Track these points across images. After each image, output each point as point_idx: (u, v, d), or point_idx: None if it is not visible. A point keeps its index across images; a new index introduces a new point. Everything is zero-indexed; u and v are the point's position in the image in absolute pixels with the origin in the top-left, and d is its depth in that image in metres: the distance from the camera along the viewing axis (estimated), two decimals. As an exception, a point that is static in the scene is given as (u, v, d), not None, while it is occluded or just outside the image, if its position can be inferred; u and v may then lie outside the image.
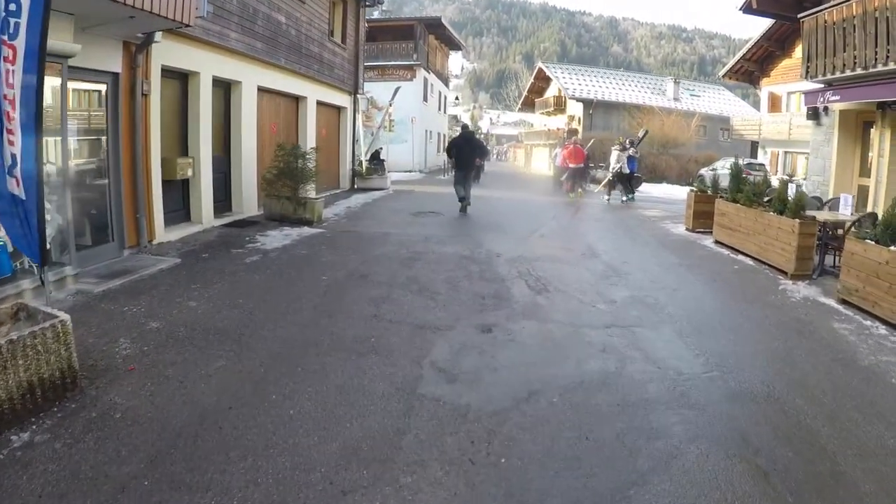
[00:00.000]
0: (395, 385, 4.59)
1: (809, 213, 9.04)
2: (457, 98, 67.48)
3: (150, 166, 9.36)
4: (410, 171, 30.22)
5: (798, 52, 31.16)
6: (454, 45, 42.35)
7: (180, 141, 10.82)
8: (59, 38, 6.54)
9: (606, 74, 48.49)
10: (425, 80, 33.84)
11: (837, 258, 9.23)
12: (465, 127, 17.11)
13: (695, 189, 13.62)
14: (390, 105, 26.57)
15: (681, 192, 27.04)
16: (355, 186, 19.75)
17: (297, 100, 15.94)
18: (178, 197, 10.84)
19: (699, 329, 6.23)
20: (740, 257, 10.19)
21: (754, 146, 46.01)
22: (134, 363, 4.81)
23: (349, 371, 4.83)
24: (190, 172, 10.64)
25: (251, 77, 12.86)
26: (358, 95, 19.90)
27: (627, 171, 20.47)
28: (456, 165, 15.09)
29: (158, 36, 8.91)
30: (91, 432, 3.74)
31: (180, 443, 3.68)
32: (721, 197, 11.78)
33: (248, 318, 6.08)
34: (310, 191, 13.47)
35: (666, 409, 4.32)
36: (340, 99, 18.84)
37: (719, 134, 43.92)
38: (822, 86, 12.68)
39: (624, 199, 19.89)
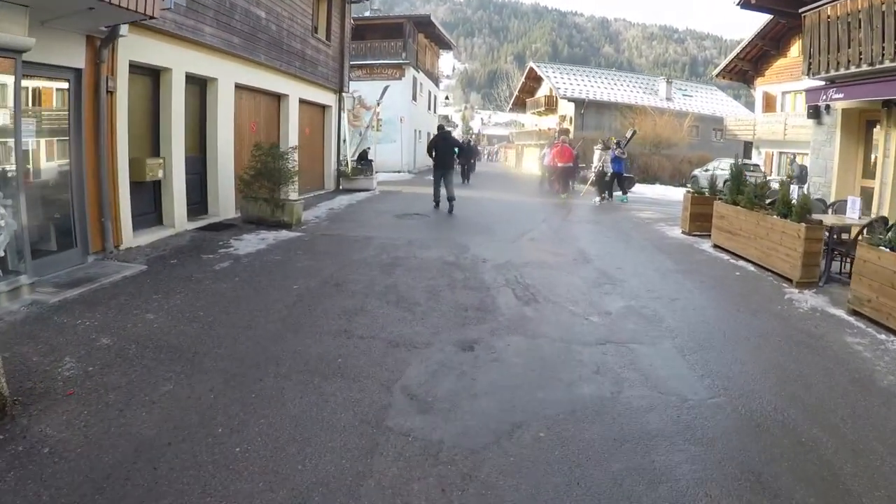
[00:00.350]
0: (360, 416, 4.03)
1: (815, 216, 8.54)
2: (447, 97, 66.90)
3: (117, 167, 8.77)
4: (399, 172, 29.64)
5: (794, 51, 30.97)
6: (444, 45, 41.79)
7: (151, 141, 10.22)
8: (11, 31, 6.00)
9: (598, 74, 48.05)
10: (414, 79, 33.27)
11: (844, 265, 8.78)
12: (441, 127, 16.64)
13: (691, 190, 13.09)
14: (378, 104, 26.00)
15: (675, 193, 26.67)
16: (340, 187, 19.16)
17: (278, 98, 15.35)
18: (150, 199, 10.26)
19: (702, 344, 5.69)
20: (741, 263, 9.67)
21: (748, 146, 45.70)
22: (75, 386, 4.28)
23: (309, 398, 4.28)
24: (160, 174, 10.04)
25: (228, 74, 12.28)
26: (343, 94, 19.30)
27: (610, 170, 19.94)
28: (434, 164, 15.11)
29: (124, 30, 8.34)
30: (14, 470, 3.25)
31: (108, 486, 3.17)
32: (720, 199, 11.26)
33: (206, 332, 5.54)
34: (290, 192, 12.91)
35: (669, 446, 3.76)
36: (325, 97, 18.25)
37: (712, 134, 43.54)
38: (824, 83, 12.21)
39: (597, 199, 19.36)
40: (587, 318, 6.40)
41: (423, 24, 33.81)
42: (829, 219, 8.76)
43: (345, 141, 31.72)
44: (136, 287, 6.95)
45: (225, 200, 12.27)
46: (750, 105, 61.68)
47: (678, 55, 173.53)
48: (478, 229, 12.12)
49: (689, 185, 31.88)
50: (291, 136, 15.69)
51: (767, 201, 9.77)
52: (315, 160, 18.22)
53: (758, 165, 29.26)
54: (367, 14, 33.02)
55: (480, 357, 5.16)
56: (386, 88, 30.61)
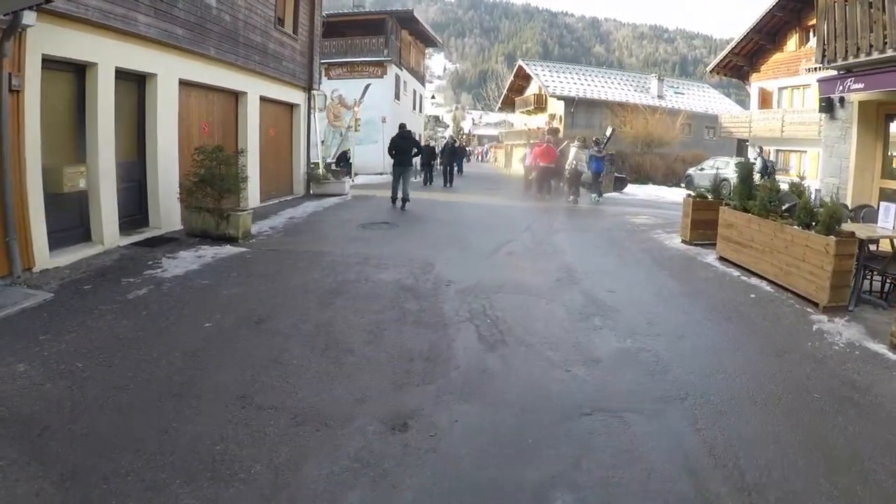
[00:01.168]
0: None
1: (845, 227, 7.06)
2: (433, 97, 65.41)
3: (25, 178, 7.25)
4: (381, 174, 28.06)
5: (790, 45, 29.64)
6: (430, 42, 40.23)
7: (76, 146, 8.70)
8: None
9: (588, 72, 46.59)
10: (397, 77, 31.71)
11: (876, 283, 7.33)
12: (402, 126, 15.90)
13: (693, 194, 11.59)
14: (356, 103, 24.51)
15: (669, 194, 25.26)
16: (311, 192, 17.63)
17: (235, 96, 13.82)
18: (74, 213, 8.71)
19: (721, 409, 4.21)
20: (754, 281, 8.19)
21: (741, 144, 44.53)
22: None
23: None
24: (82, 183, 8.51)
25: (170, 69, 10.75)
26: (314, 92, 17.77)
27: (585, 170, 18.88)
28: (394, 163, 15.19)
29: (30, 18, 6.87)
30: None
31: None
32: (727, 204, 9.79)
33: (71, 395, 4.13)
34: (243, 201, 11.43)
35: None
36: (292, 95, 16.71)
37: (704, 132, 42.30)
38: (839, 73, 10.75)
39: (571, 199, 18.32)
40: (569, 369, 4.87)
41: (407, 21, 32.23)
42: (861, 230, 7.27)
43: (323, 142, 30.36)
44: (28, 323, 5.54)
45: (168, 211, 10.73)
46: (741, 102, 60.49)
47: (668, 54, 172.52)
48: (449, 241, 10.63)
49: (683, 185, 30.87)
50: (251, 137, 14.19)
51: (784, 207, 8.30)
52: (281, 163, 16.70)
53: (755, 164, 27.79)
54: (346, 10, 31.47)
55: (412, 445, 3.62)
56: (367, 87, 29.14)
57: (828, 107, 11.82)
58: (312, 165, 18.26)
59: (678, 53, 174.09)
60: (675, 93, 46.39)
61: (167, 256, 8.64)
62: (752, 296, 7.49)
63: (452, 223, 12.84)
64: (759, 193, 8.46)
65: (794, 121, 27.36)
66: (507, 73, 72.76)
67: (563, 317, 6.27)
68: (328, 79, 30.14)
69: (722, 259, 9.51)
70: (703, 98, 47.43)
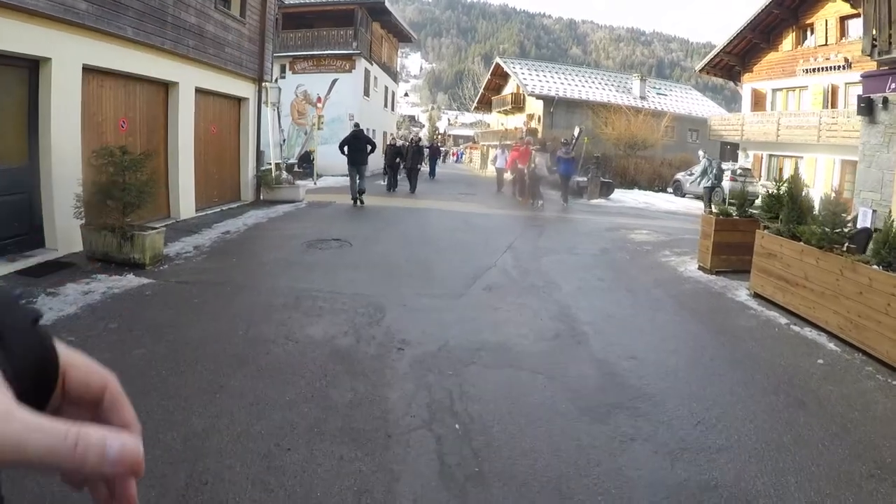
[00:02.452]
0: None
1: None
2: (406, 94, 63.24)
3: None
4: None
5: (786, 44, 27.83)
6: (404, 37, 37.94)
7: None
8: None
9: (568, 71, 44.66)
10: (367, 71, 29.41)
11: None
12: (356, 125, 16.71)
13: (716, 211, 9.52)
14: (319, 99, 22.31)
15: (658, 201, 23.33)
16: (261, 198, 15.39)
17: (165, 87, 11.59)
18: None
19: None
20: (810, 332, 6.17)
21: (724, 147, 42.99)
22: None
23: None
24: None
25: (71, 53, 8.52)
26: (266, 84, 15.54)
27: (546, 174, 18.25)
28: (348, 161, 15.59)
29: None
30: None
31: None
32: (765, 227, 7.78)
33: None
34: (155, 214, 9.24)
35: None
36: (238, 87, 14.45)
37: (688, 135, 40.70)
38: (888, 68, 8.79)
39: (537, 202, 17.68)
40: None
41: (378, 12, 29.90)
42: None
43: (285, 141, 28.11)
44: None
45: (68, 229, 8.41)
46: (725, 105, 59.07)
47: (645, 57, 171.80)
48: (411, 267, 8.50)
49: (671, 191, 29.04)
50: (184, 135, 11.95)
51: (847, 233, 6.29)
52: (226, 165, 14.44)
53: (749, 170, 26.07)
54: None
55: None
56: (334, 82, 26.99)
57: (867, 108, 9.88)
58: (266, 167, 16.02)
59: (655, 56, 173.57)
60: (658, 94, 44.76)
61: (47, 293, 6.45)
62: (819, 361, 5.43)
63: (417, 240, 10.69)
64: (822, 216, 6.38)
65: (791, 124, 25.65)
66: (483, 73, 70.71)
67: (571, 415, 4.09)
68: (292, 73, 27.97)
69: (758, 297, 7.52)
70: (686, 100, 45.83)
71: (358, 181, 15.42)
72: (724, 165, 26.18)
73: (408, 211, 14.78)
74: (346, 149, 15.47)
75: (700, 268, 9.30)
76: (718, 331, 6.33)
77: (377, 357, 4.99)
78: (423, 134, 62.94)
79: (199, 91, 12.61)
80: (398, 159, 20.87)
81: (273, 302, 6.46)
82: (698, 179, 18.17)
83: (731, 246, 8.80)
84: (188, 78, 12.03)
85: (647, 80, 45.87)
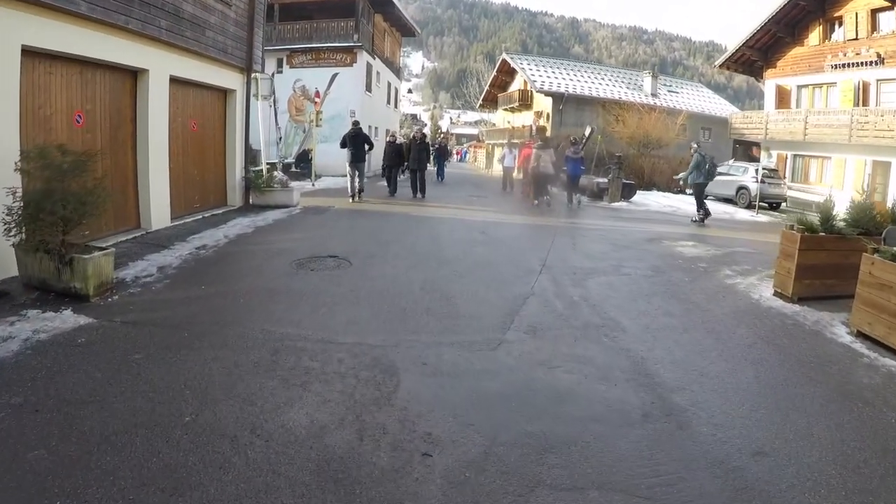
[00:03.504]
0: None
1: None
2: (409, 91, 61.45)
3: None
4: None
5: (813, 38, 26.05)
6: (407, 31, 36.00)
7: None
8: None
9: (577, 67, 42.77)
10: (369, 66, 27.48)
11: None
12: (355, 123, 16.32)
13: (801, 227, 7.62)
14: (318, 94, 20.48)
15: (685, 205, 21.33)
16: (250, 202, 13.53)
17: (133, 75, 9.75)
18: None
19: None
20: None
21: (736, 147, 41.20)
22: None
23: None
24: None
25: (5, 31, 6.75)
26: (256, 74, 13.67)
27: (550, 171, 16.99)
28: (349, 159, 15.73)
29: None
30: None
31: None
32: (875, 250, 5.94)
33: None
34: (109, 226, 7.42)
35: None
36: (223, 77, 12.56)
37: (700, 133, 38.65)
38: None
39: (536, 201, 17.00)
40: None
41: (380, 3, 27.96)
42: None
43: (281, 139, 26.23)
44: None
45: (1, 249, 6.64)
46: (738, 99, 57.16)
47: (648, 56, 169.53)
48: (426, 299, 6.62)
49: (689, 192, 26.94)
50: (156, 131, 10.12)
51: None
52: (209, 166, 12.56)
53: (776, 171, 24.17)
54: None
55: None
56: (334, 77, 25.17)
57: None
58: (258, 168, 14.17)
59: (657, 55, 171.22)
60: (669, 91, 42.93)
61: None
62: None
63: (431, 258, 8.79)
64: None
65: (820, 123, 23.82)
66: (487, 71, 68.87)
67: None
68: (290, 67, 26.15)
69: (862, 336, 5.74)
70: (697, 97, 43.99)
71: (357, 180, 15.77)
72: (745, 165, 24.40)
73: (415, 219, 12.91)
74: (346, 145, 15.68)
75: (777, 293, 7.47)
76: (843, 395, 4.50)
77: (391, 473, 3.13)
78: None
79: (174, 81, 10.76)
80: (399, 159, 18.34)
81: (242, 360, 4.60)
82: (689, 175, 16.25)
83: (816, 268, 7.04)
84: (161, 65, 10.18)
85: (659, 76, 44.02)
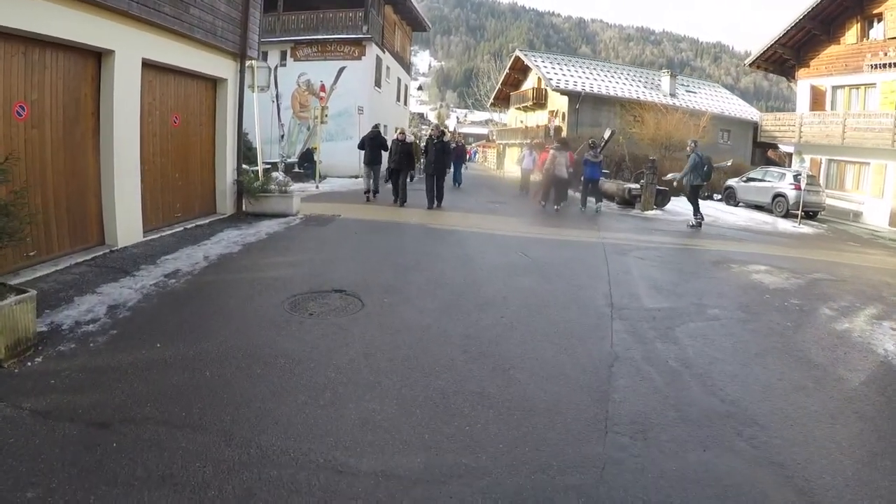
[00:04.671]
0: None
1: None
2: (419, 88, 59.42)
3: None
4: (356, 177, 21.97)
5: (850, 36, 24.00)
6: (418, 25, 33.86)
7: None
8: None
9: (593, 65, 40.70)
10: (378, 59, 25.42)
11: None
12: (375, 126, 16.11)
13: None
14: (322, 88, 18.48)
15: (721, 213, 19.32)
16: (243, 209, 11.53)
17: (96, 57, 7.77)
18: None
19: None
20: None
21: (756, 150, 39.18)
22: None
23: None
24: None
25: None
26: (251, 62, 11.69)
27: (565, 175, 15.85)
28: (365, 160, 15.67)
29: None
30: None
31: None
32: None
33: None
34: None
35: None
36: (211, 63, 10.52)
37: (719, 135, 36.58)
38: None
39: (544, 204, 16.28)
40: None
41: (391, -7, 26.11)
42: None
43: (283, 137, 24.24)
44: None
45: None
46: (750, 98, 54.98)
47: (655, 56, 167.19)
48: (473, 372, 4.53)
49: (722, 198, 25.01)
50: (125, 126, 8.11)
51: None
52: (194, 169, 10.53)
53: (813, 177, 22.08)
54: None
55: None
56: (341, 70, 23.14)
57: None
58: (261, 168, 12.18)
59: (664, 56, 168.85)
60: (687, 91, 40.91)
61: None
62: None
63: (465, 294, 6.72)
64: None
65: (860, 126, 21.74)
66: (495, 69, 66.73)
67: None
68: (294, 60, 24.13)
69: None
70: (716, 98, 41.93)
71: (372, 181, 15.49)
72: (782, 170, 22.39)
73: (435, 234, 10.89)
74: (364, 148, 15.50)
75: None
76: None
77: None
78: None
79: (150, 66, 8.77)
80: (408, 161, 15.34)
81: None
82: (686, 177, 14.99)
83: None
84: (131, 45, 8.18)
85: (677, 76, 42.01)
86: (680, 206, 19.26)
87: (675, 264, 9.37)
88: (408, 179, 15.75)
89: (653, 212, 17.35)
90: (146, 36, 8.50)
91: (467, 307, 6.10)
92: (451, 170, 20.17)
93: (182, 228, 9.67)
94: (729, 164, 21.74)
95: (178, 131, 9.91)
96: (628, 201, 18.16)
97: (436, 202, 14.69)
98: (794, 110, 26.89)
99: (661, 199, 18.21)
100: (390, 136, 16.39)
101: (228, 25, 10.69)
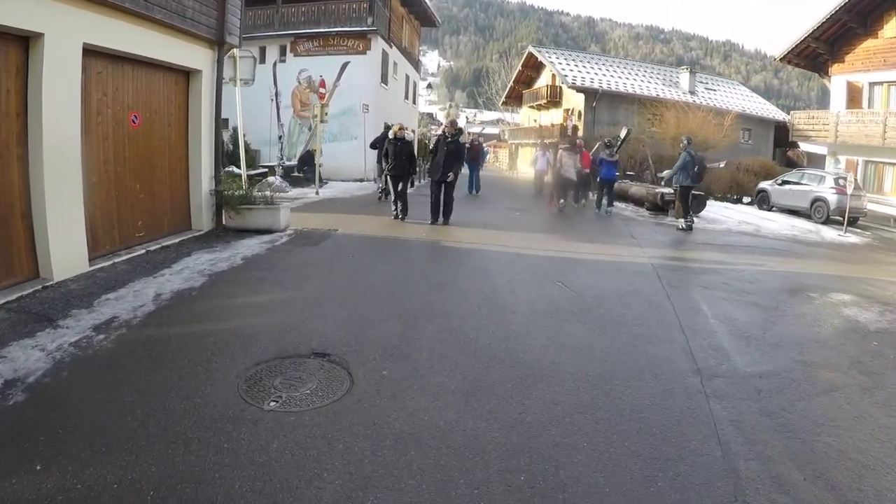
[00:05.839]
0: None
1: None
2: (429, 86, 57.50)
3: None
4: (361, 181, 20.16)
5: (888, 30, 22.04)
6: (428, 20, 31.88)
7: None
8: None
9: (609, 62, 38.79)
10: (385, 54, 23.53)
11: None
12: (386, 127, 13.72)
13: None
14: (322, 84, 16.67)
15: (761, 220, 17.36)
16: (223, 224, 9.71)
17: (22, 43, 5.99)
18: None
19: None
20: None
21: (776, 150, 37.28)
22: None
23: None
24: None
25: None
26: (234, 51, 9.90)
27: (573, 177, 15.46)
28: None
29: None
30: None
31: None
32: None
33: None
34: None
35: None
36: (180, 52, 8.66)
37: (740, 134, 34.58)
38: None
39: (562, 203, 15.46)
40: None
41: (398, -15, 24.25)
42: None
43: (280, 137, 22.36)
44: None
45: None
46: (769, 94, 52.97)
47: (664, 55, 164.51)
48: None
49: (755, 203, 22.95)
50: (59, 127, 6.31)
51: None
52: (161, 178, 8.66)
53: (855, 180, 20.06)
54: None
55: None
56: (345, 66, 21.32)
57: None
58: (244, 173, 10.38)
59: (674, 54, 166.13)
60: (706, 88, 39.01)
61: None
62: None
63: (498, 362, 4.71)
64: None
65: (907, 125, 19.98)
66: (505, 67, 64.77)
67: None
68: (294, 55, 22.35)
69: None
70: (736, 95, 40.04)
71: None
72: (822, 173, 20.43)
73: (448, 256, 8.99)
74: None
75: None
76: None
77: None
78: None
79: (96, 53, 6.99)
80: (410, 165, 12.56)
81: None
82: (674, 176, 13.81)
83: None
84: (66, 27, 6.40)
85: (696, 73, 40.08)
86: (711, 211, 17.46)
87: (746, 294, 7.47)
88: (409, 187, 12.95)
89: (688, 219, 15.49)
90: (88, 16, 6.71)
91: (503, 386, 4.22)
92: (469, 175, 18.35)
93: (144, 251, 7.87)
94: (722, 164, 19.96)
95: (139, 133, 8.10)
96: (660, 207, 16.31)
97: (441, 218, 11.82)
98: (805, 108, 25.26)
99: (696, 205, 16.35)
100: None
101: (201, 6, 8.83)
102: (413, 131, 24.96)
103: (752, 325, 6.14)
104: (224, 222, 9.69)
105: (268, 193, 9.90)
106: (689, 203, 13.95)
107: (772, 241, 13.23)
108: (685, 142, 14.21)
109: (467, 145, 16.45)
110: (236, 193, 9.59)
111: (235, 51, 9.89)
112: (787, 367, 5.02)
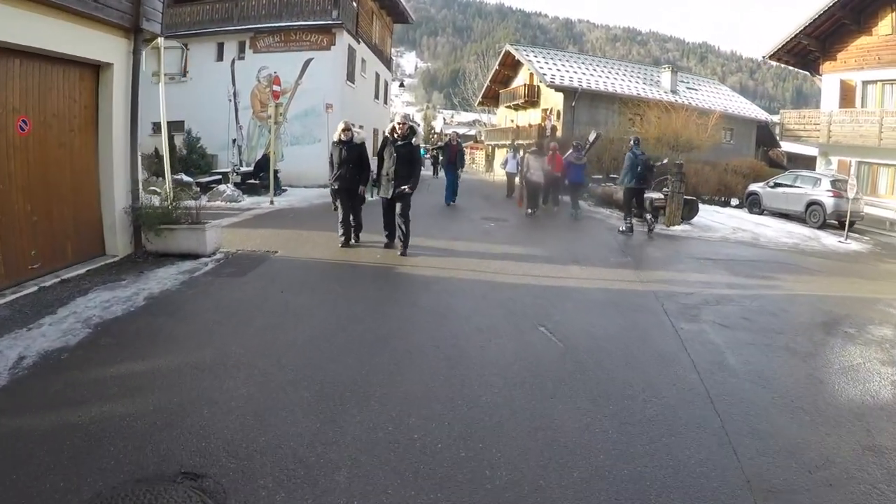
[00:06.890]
0: None
1: None
2: (401, 84, 55.80)
3: None
4: (323, 186, 18.55)
5: (883, 27, 20.38)
6: (400, 16, 30.30)
7: None
8: None
9: (589, 60, 37.62)
10: (351, 50, 21.90)
11: None
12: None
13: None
14: (277, 81, 15.05)
15: (756, 225, 16.14)
16: (144, 247, 8.11)
17: None
18: None
19: None
20: None
21: (758, 150, 36.47)
22: None
23: None
24: None
25: None
26: (158, 38, 8.35)
27: (540, 180, 15.22)
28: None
29: None
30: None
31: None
32: None
33: None
34: None
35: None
36: (81, 41, 7.05)
37: (723, 134, 33.58)
38: None
39: (530, 211, 15.26)
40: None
41: (367, -22, 22.68)
42: None
43: (235, 141, 20.61)
44: None
45: None
46: (754, 96, 52.04)
47: (641, 56, 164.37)
48: None
49: (744, 206, 21.73)
50: None
51: None
52: (63, 196, 7.04)
53: (844, 180, 18.85)
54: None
55: None
56: (308, 63, 19.76)
57: None
58: (168, 185, 8.78)
59: (651, 56, 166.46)
60: (688, 88, 38.09)
61: None
62: None
63: (450, 476, 3.22)
64: None
65: (899, 125, 18.98)
66: (482, 67, 63.51)
67: None
68: (254, 52, 20.73)
69: None
70: (718, 95, 39.20)
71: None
72: (817, 175, 19.27)
73: (403, 290, 7.20)
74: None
75: None
76: None
77: None
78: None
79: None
80: (360, 173, 9.44)
81: None
82: (625, 177, 13.27)
83: None
84: None
85: (678, 72, 39.09)
86: (702, 216, 16.21)
87: (775, 334, 6.03)
88: (358, 207, 9.80)
89: (680, 227, 14.19)
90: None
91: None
92: (446, 179, 16.84)
93: (36, 289, 6.28)
94: (664, 161, 18.88)
95: (30, 142, 6.52)
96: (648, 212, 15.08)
97: (399, 242, 9.17)
98: (785, 108, 24.24)
99: (688, 211, 15.08)
100: (370, 139, 12.32)
101: (110, -15, 7.29)
102: (363, 128, 22.35)
103: (798, 387, 4.73)
104: (145, 245, 8.10)
105: (193, 210, 8.26)
106: (630, 207, 13.34)
107: (774, 253, 12.00)
108: (631, 142, 13.68)
109: (440, 144, 14.79)
110: (157, 211, 7.99)
111: (159, 40, 8.31)
112: (857, 461, 3.61)
